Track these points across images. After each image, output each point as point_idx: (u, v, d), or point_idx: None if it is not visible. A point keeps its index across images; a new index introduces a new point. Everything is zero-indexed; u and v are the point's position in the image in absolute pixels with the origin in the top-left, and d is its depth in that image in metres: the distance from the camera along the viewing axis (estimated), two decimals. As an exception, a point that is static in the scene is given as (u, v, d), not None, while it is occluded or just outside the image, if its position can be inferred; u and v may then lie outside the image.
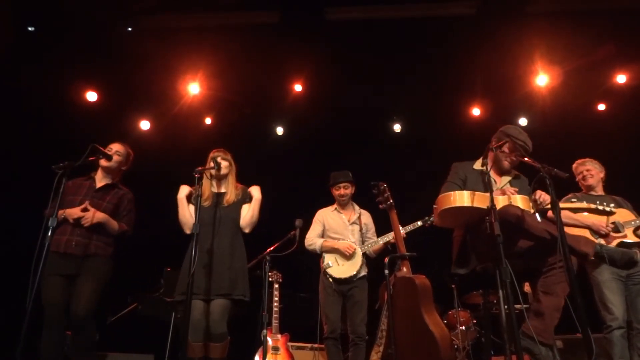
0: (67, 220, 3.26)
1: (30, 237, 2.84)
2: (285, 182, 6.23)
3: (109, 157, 3.35)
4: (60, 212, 3.24)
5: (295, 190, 6.13)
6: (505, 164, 3.03)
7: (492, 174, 3.10)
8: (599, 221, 3.46)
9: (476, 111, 6.45)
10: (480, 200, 2.73)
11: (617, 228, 3.46)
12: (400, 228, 3.94)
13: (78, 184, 3.43)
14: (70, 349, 3.22)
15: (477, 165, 3.15)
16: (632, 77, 5.94)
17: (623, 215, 3.54)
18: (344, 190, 4.23)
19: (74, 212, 3.24)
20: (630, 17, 5.35)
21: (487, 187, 2.93)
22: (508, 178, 3.10)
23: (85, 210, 3.26)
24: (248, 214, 3.35)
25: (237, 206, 3.36)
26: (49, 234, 2.67)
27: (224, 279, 3.12)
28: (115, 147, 3.51)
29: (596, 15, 5.39)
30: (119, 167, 3.52)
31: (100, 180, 3.47)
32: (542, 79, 5.94)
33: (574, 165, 3.93)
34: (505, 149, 2.99)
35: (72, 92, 6.05)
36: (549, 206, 2.72)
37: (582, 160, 3.90)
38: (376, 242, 4.15)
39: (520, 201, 2.80)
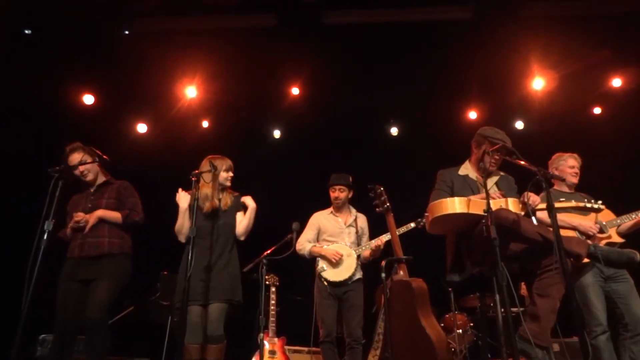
0: (75, 230, 3.28)
1: (26, 240, 2.83)
2: (282, 185, 6.22)
3: (103, 161, 3.35)
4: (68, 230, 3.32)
5: (292, 193, 6.12)
6: (490, 165, 3.01)
7: (478, 176, 3.11)
8: (587, 222, 3.33)
9: (473, 114, 6.46)
10: (474, 206, 2.73)
11: (601, 229, 3.32)
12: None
13: (78, 197, 3.46)
14: (83, 353, 3.21)
15: (462, 170, 3.16)
16: (627, 81, 5.95)
17: (604, 215, 3.42)
18: (339, 193, 4.19)
19: (72, 225, 3.26)
20: (625, 21, 5.39)
21: (474, 191, 2.97)
22: (494, 179, 3.11)
23: (78, 220, 3.24)
24: (244, 222, 3.36)
25: (232, 213, 3.38)
26: (45, 237, 2.67)
27: (223, 285, 3.15)
28: (74, 160, 3.30)
29: (591, 19, 5.42)
30: (95, 168, 3.42)
31: (94, 184, 3.46)
32: (538, 83, 5.97)
33: (566, 156, 3.69)
34: (486, 150, 2.99)
35: (69, 95, 6.04)
36: (539, 207, 2.73)
37: (576, 155, 3.70)
38: (366, 248, 4.09)
39: (511, 204, 2.81)
